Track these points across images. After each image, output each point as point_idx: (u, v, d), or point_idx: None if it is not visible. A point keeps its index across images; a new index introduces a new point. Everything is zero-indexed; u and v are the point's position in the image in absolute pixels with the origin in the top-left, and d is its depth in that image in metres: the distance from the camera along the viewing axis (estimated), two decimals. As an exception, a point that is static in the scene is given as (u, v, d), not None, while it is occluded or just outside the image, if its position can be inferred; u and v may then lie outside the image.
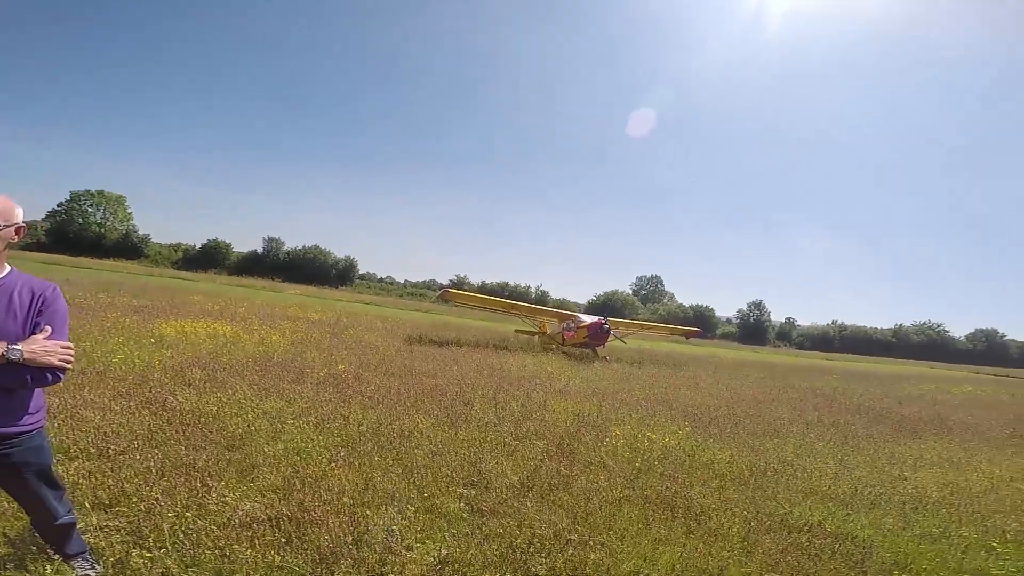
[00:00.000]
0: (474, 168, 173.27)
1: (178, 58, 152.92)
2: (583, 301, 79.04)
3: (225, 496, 3.81)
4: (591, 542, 3.79)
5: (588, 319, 18.95)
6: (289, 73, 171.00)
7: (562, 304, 68.43)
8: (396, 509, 3.92)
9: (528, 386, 9.88)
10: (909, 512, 5.37)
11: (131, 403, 5.65)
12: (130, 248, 64.12)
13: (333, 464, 4.62)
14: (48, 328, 2.30)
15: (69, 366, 2.33)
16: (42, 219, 65.55)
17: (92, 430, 4.70)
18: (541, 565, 3.48)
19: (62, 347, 2.29)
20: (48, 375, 2.27)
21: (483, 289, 70.82)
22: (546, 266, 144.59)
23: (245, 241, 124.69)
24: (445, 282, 75.90)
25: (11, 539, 3.07)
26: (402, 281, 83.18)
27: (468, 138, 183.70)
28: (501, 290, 71.52)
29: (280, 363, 9.02)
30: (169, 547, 3.14)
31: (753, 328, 79.41)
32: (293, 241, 72.64)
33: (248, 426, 5.31)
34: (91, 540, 3.11)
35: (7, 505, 3.18)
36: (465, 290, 54.11)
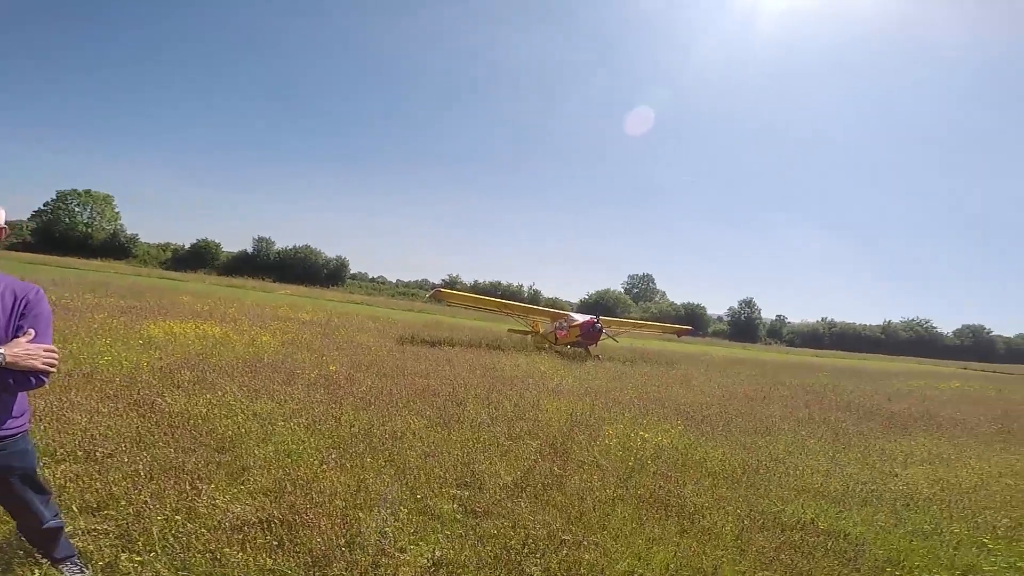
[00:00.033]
0: (467, 168, 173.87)
1: (166, 58, 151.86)
2: (575, 300, 79.31)
3: (215, 499, 3.78)
4: (585, 542, 3.78)
5: (580, 318, 18.98)
6: (281, 73, 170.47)
7: (554, 303, 68.51)
8: (388, 508, 3.90)
9: (521, 386, 9.87)
10: (900, 509, 5.39)
11: (119, 405, 5.58)
12: (118, 248, 63.46)
13: (325, 466, 4.58)
14: (31, 331, 2.27)
15: (53, 369, 2.29)
16: (28, 219, 64.82)
17: (79, 432, 4.64)
18: (535, 566, 3.47)
19: (46, 350, 2.25)
20: (31, 379, 2.24)
21: (475, 288, 70.78)
22: (538, 265, 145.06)
23: (235, 241, 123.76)
24: (437, 281, 75.85)
25: (-3, 544, 3.02)
26: (394, 281, 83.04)
27: (461, 138, 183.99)
28: (494, 289, 71.45)
29: (270, 364, 8.95)
30: (159, 551, 3.11)
31: (744, 326, 79.93)
32: (283, 241, 72.32)
33: (238, 428, 5.26)
34: (79, 544, 3.08)
35: (-8, 510, 3.12)
36: (457, 289, 54.04)
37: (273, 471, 4.36)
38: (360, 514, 3.81)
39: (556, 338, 19.37)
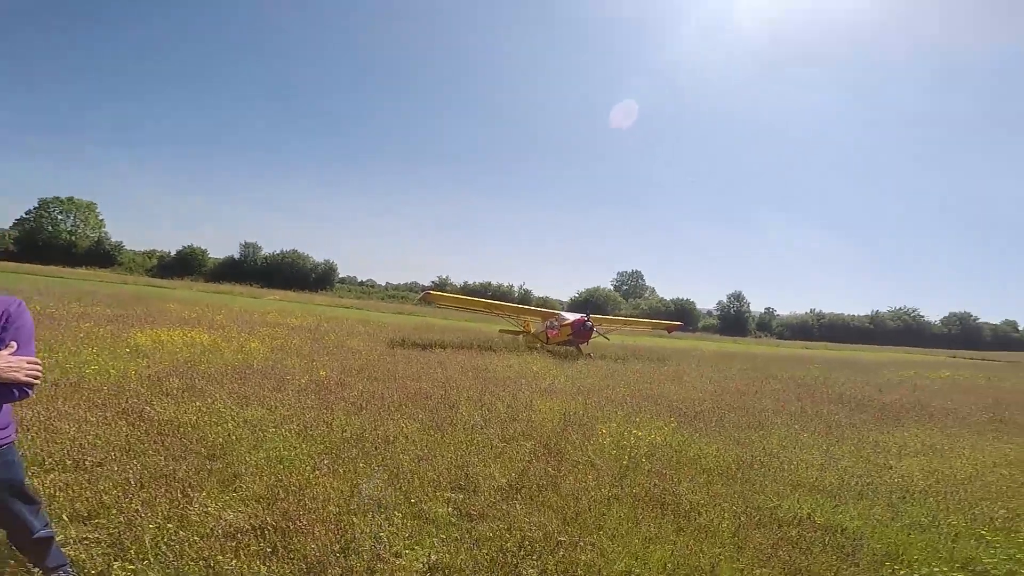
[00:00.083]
0: (455, 169, 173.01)
1: (149, 65, 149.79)
2: (565, 298, 79.56)
3: (207, 506, 3.74)
4: (581, 543, 3.77)
5: (571, 317, 19.03)
6: (264, 79, 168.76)
7: (545, 302, 68.66)
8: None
9: (514, 386, 9.85)
10: (897, 502, 5.41)
11: (107, 414, 5.51)
12: (102, 256, 62.73)
13: (317, 472, 4.54)
14: (13, 344, 2.23)
15: (36, 382, 2.26)
16: (10, 227, 64.01)
17: (67, 442, 4.59)
18: (532, 568, 3.45)
19: (28, 362, 2.21)
20: (15, 391, 2.20)
21: (466, 290, 70.75)
22: (528, 265, 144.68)
23: (221, 247, 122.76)
24: (427, 284, 75.73)
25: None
26: (383, 284, 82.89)
27: (451, 138, 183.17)
28: (484, 290, 71.44)
29: (260, 370, 8.87)
30: (151, 559, 3.09)
31: (734, 319, 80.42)
32: (271, 246, 71.90)
33: (229, 435, 5.21)
34: (71, 553, 3.06)
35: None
36: (447, 291, 53.92)
37: (265, 478, 4.32)
38: (354, 519, 3.77)
39: (547, 337, 19.40)
